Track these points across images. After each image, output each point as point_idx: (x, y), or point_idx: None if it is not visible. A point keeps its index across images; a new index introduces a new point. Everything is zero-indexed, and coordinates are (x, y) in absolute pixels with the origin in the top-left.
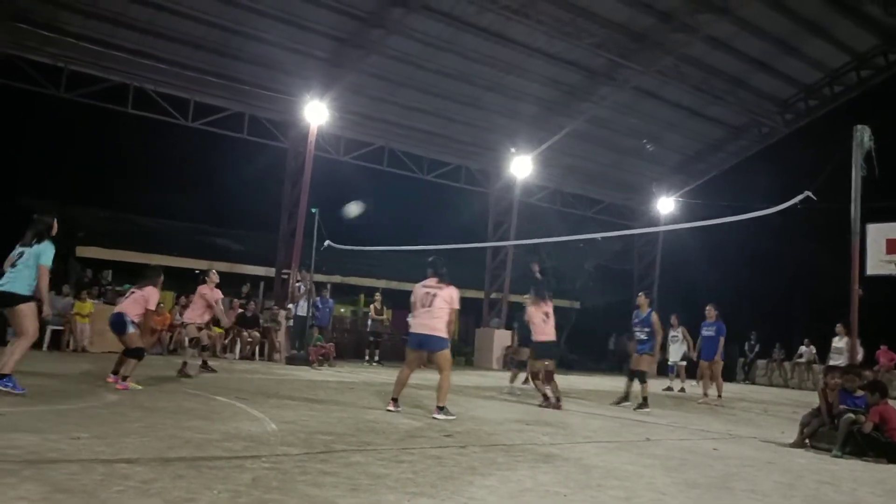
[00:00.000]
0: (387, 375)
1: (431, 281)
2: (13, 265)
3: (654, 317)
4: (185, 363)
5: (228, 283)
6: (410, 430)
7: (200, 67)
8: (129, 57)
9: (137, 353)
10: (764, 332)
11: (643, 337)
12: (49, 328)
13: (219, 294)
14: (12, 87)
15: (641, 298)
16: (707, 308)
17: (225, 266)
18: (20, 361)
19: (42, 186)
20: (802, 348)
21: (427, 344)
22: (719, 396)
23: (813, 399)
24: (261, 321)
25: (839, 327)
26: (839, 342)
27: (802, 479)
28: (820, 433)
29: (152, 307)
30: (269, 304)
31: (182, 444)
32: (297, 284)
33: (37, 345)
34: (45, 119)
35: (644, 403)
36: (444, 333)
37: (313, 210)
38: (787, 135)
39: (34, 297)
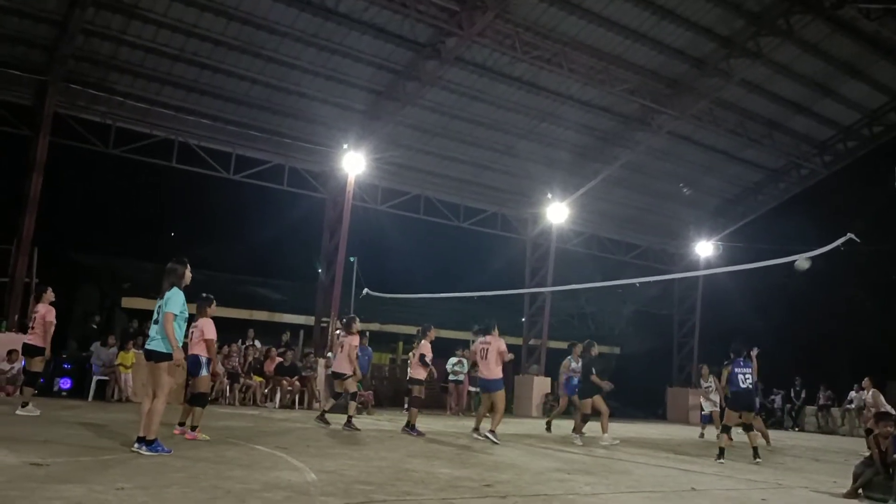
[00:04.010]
0: (425, 424)
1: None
2: (155, 321)
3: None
4: (350, 418)
5: (268, 332)
6: (450, 480)
7: (242, 122)
8: (174, 114)
9: (201, 401)
10: (809, 377)
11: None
12: (94, 378)
13: (356, 340)
14: (63, 143)
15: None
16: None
17: (265, 315)
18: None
19: (90, 239)
20: (852, 394)
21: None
22: (768, 443)
23: (864, 446)
24: (300, 369)
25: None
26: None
27: None
28: (874, 483)
29: (210, 336)
30: (308, 352)
31: (223, 495)
32: (336, 332)
33: (82, 395)
34: (94, 174)
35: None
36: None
37: (352, 259)
38: (826, 176)
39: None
